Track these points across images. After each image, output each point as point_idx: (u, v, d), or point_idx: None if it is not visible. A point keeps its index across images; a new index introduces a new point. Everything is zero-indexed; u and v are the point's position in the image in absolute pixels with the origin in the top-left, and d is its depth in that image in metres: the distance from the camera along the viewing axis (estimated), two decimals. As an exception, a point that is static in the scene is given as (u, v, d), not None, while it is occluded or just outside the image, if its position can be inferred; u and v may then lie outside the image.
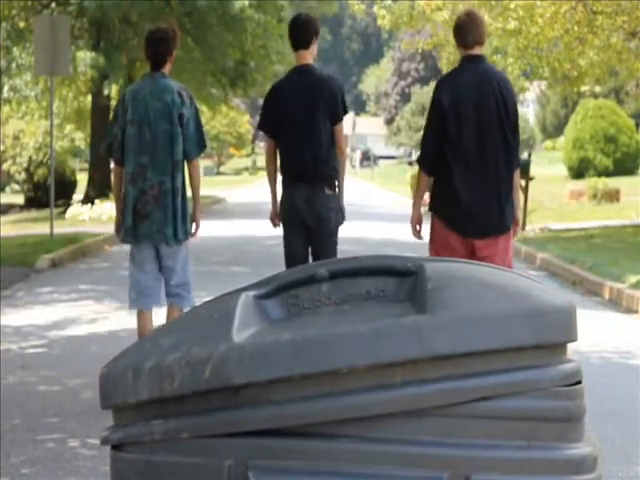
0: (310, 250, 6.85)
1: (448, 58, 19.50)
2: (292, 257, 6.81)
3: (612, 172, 34.98)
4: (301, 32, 6.81)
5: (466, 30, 6.15)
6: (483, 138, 6.06)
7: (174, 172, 6.59)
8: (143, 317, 6.65)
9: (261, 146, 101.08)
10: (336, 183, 6.81)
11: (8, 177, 30.55)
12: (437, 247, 6.17)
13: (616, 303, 10.23)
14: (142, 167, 6.60)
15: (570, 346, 2.07)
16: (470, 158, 6.05)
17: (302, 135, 6.69)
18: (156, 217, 6.59)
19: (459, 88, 6.08)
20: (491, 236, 6.10)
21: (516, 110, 6.20)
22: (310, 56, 6.86)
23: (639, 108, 42.85)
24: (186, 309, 6.56)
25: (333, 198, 6.78)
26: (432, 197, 6.25)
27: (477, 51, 6.19)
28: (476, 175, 6.05)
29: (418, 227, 6.42)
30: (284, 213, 6.82)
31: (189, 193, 6.83)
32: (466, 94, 6.05)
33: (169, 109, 6.54)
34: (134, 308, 6.70)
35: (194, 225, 6.81)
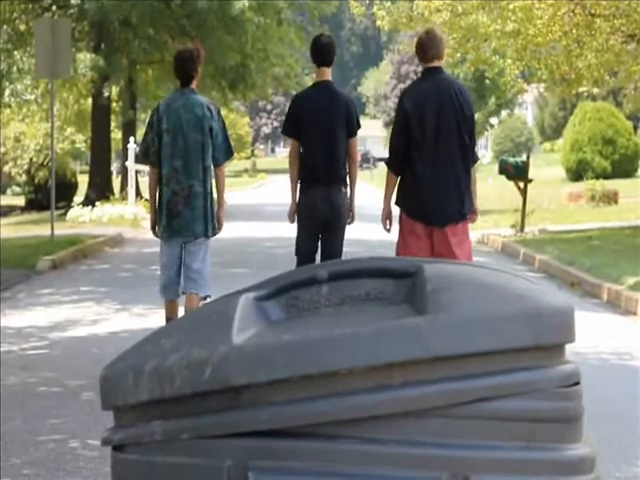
0: (320, 242, 7.76)
1: (447, 60, 19.50)
2: (303, 250, 7.70)
3: (610, 174, 34.96)
4: (327, 52, 7.78)
5: (426, 47, 6.98)
6: (442, 139, 6.83)
7: (204, 176, 7.46)
8: (170, 304, 7.53)
9: (261, 148, 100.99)
10: (347, 185, 7.83)
11: (9, 179, 30.55)
12: (404, 235, 7.07)
13: (614, 304, 10.24)
14: (175, 171, 7.43)
15: (569, 347, 2.08)
16: (431, 157, 6.83)
17: (322, 143, 7.61)
18: (186, 216, 7.43)
19: (421, 96, 6.87)
20: (450, 224, 6.87)
21: (472, 114, 6.99)
22: (330, 73, 7.81)
23: (637, 110, 42.83)
24: (202, 295, 7.42)
25: (346, 196, 7.85)
26: (399, 192, 7.08)
27: (436, 64, 6.99)
28: (437, 172, 6.83)
29: (388, 221, 7.37)
30: (303, 211, 7.71)
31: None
32: (427, 101, 6.83)
33: (200, 122, 7.42)
34: (162, 297, 7.58)
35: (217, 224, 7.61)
